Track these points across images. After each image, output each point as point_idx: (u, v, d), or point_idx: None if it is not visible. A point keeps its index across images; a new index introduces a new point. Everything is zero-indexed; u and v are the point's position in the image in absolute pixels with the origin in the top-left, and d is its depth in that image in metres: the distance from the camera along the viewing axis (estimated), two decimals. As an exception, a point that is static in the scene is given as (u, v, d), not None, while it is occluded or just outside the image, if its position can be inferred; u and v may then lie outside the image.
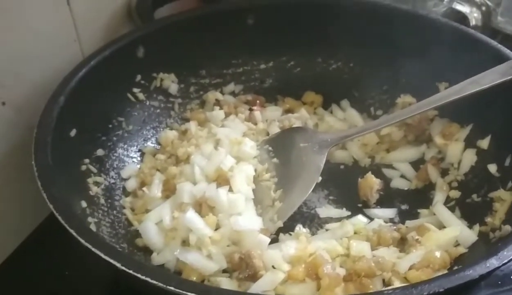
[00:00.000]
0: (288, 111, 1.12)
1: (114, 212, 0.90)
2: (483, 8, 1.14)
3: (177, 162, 0.98)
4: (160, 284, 0.62)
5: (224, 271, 0.82)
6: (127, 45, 0.99)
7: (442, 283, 0.61)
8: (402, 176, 1.02)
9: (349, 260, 0.82)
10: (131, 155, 1.00)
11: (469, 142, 0.98)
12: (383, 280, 0.78)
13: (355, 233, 0.89)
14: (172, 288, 0.61)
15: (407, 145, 1.05)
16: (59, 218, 0.70)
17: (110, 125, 0.98)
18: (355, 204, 0.96)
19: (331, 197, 0.98)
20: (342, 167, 1.05)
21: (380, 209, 0.95)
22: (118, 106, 1.01)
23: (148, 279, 0.62)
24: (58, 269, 0.88)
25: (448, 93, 0.94)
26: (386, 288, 0.74)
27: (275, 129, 1.05)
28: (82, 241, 0.67)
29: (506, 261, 0.65)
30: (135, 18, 1.10)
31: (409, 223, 0.91)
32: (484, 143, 0.95)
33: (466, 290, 0.68)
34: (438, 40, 1.01)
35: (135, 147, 1.02)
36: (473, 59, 0.96)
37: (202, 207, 0.86)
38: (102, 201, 0.89)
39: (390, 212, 0.95)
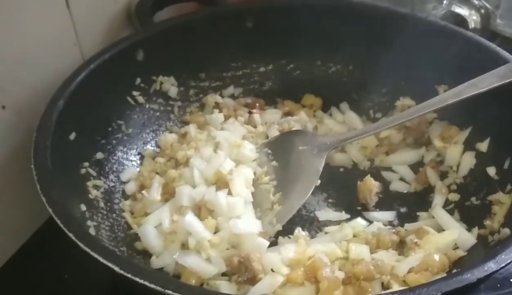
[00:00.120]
0: (288, 114, 1.12)
1: (114, 215, 0.90)
2: (482, 10, 1.14)
3: (176, 165, 0.98)
4: (159, 288, 0.62)
5: (223, 274, 0.82)
6: (126, 49, 1.00)
7: (440, 287, 0.62)
8: (401, 179, 1.02)
9: (348, 263, 0.82)
10: (130, 158, 1.01)
11: (468, 145, 0.98)
12: (382, 283, 0.78)
13: (354, 236, 0.89)
14: (170, 291, 0.61)
15: (406, 148, 1.05)
16: (58, 221, 0.70)
17: (110, 129, 0.98)
18: (354, 207, 0.96)
19: (330, 200, 0.98)
20: (341, 169, 1.05)
21: (379, 212, 0.95)
22: (117, 109, 1.01)
23: (147, 283, 0.62)
24: (57, 273, 0.88)
25: (447, 96, 0.94)
26: (385, 292, 0.75)
27: (274, 132, 1.06)
28: (81, 244, 0.67)
29: (504, 264, 0.65)
30: (134, 21, 1.10)
31: (408, 226, 0.91)
32: (483, 146, 0.95)
33: (464, 293, 0.68)
34: (437, 43, 1.01)
35: (134, 150, 1.02)
36: (472, 62, 0.96)
37: (201, 210, 0.86)
38: (102, 204, 0.89)
39: (389, 215, 0.95)
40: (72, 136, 0.88)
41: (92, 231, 0.81)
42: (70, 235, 0.68)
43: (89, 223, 0.82)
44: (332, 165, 1.04)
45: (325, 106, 1.14)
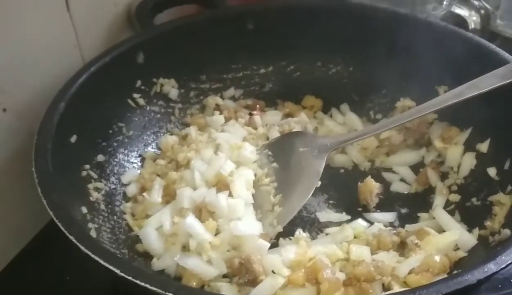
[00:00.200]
0: (288, 115, 1.12)
1: (115, 217, 0.90)
2: (482, 11, 1.14)
3: (177, 167, 0.98)
4: (160, 290, 0.62)
5: (224, 276, 0.82)
6: (127, 51, 1.00)
7: (440, 288, 0.62)
8: (402, 180, 1.02)
9: (349, 265, 0.82)
10: (131, 160, 1.01)
11: (469, 146, 0.98)
12: (383, 285, 0.78)
13: (355, 237, 0.89)
14: (171, 294, 0.62)
15: (406, 149, 1.05)
16: (59, 224, 0.70)
17: (111, 131, 0.99)
18: (355, 208, 0.96)
19: (331, 201, 0.98)
20: (342, 171, 1.05)
21: (380, 213, 0.95)
22: (118, 111, 1.01)
23: (148, 286, 0.63)
24: (58, 275, 0.89)
25: (447, 97, 0.94)
26: (386, 293, 0.75)
27: (275, 133, 1.06)
28: (82, 247, 0.68)
29: (504, 265, 0.65)
30: (135, 24, 1.10)
31: (408, 227, 0.91)
32: (484, 147, 0.95)
33: (465, 294, 0.68)
34: (437, 44, 1.01)
35: (135, 152, 1.02)
36: (472, 62, 0.96)
37: (202, 212, 0.86)
38: (103, 206, 0.89)
39: (390, 216, 0.95)
40: (73, 139, 0.88)
41: (93, 234, 0.81)
42: (71, 237, 0.69)
43: (90, 225, 0.82)
44: (333, 166, 1.04)
45: (326, 107, 1.14)
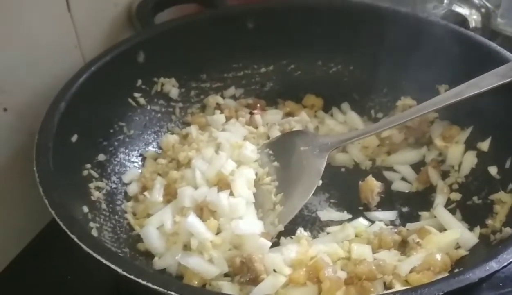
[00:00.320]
0: (289, 114, 1.12)
1: (116, 216, 0.90)
2: (483, 10, 1.13)
3: (178, 166, 0.98)
4: (161, 289, 0.62)
5: (226, 275, 0.82)
6: (127, 50, 1.00)
7: (442, 286, 0.62)
8: (403, 179, 1.02)
9: (350, 263, 0.82)
10: (132, 160, 1.01)
11: (470, 145, 0.98)
12: (384, 283, 0.78)
13: (356, 236, 0.89)
14: (173, 292, 0.62)
15: (407, 148, 1.05)
16: (61, 223, 0.70)
17: (111, 130, 0.99)
18: (356, 207, 0.96)
19: (332, 200, 0.98)
20: (343, 169, 1.05)
21: (381, 211, 0.95)
22: (119, 111, 1.01)
23: (149, 284, 0.63)
24: (59, 274, 0.89)
25: (448, 96, 0.94)
26: (387, 291, 0.75)
27: (275, 132, 1.06)
28: (84, 246, 0.68)
29: (506, 264, 0.65)
30: (135, 23, 1.10)
31: (410, 225, 0.91)
32: (485, 145, 0.95)
33: (466, 292, 0.68)
34: (438, 42, 1.01)
35: (136, 152, 1.02)
36: (473, 61, 0.96)
37: (203, 211, 0.86)
38: (104, 206, 0.89)
39: (391, 215, 0.95)
40: (74, 138, 0.88)
41: (94, 233, 0.81)
42: (73, 236, 0.69)
43: (91, 224, 0.82)
44: (334, 165, 1.04)
45: (326, 106, 1.14)
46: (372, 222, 0.93)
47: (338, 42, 1.11)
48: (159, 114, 1.07)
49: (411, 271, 0.78)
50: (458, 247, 0.84)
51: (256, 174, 0.94)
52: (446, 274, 0.77)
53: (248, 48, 1.13)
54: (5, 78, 0.85)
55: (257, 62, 1.15)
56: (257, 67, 1.16)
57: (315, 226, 0.94)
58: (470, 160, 0.97)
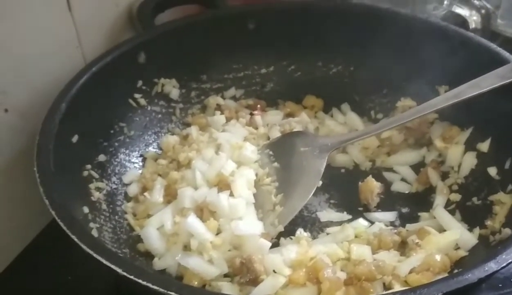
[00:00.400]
0: (289, 115, 1.12)
1: (116, 217, 0.90)
2: (483, 11, 1.14)
3: (178, 167, 0.98)
4: (161, 290, 0.62)
5: (226, 275, 0.83)
6: (128, 51, 1.00)
7: (441, 287, 0.62)
8: (403, 179, 1.02)
9: (350, 264, 0.82)
10: (132, 160, 1.01)
11: (469, 146, 0.98)
12: (384, 284, 0.78)
13: (355, 236, 0.89)
14: (173, 293, 0.62)
15: (407, 149, 1.05)
16: (61, 224, 0.70)
17: (112, 131, 0.99)
18: (356, 208, 0.96)
19: (332, 201, 0.98)
20: (342, 170, 1.05)
21: (380, 212, 0.96)
22: (119, 111, 1.01)
23: (149, 285, 0.63)
24: (60, 274, 0.89)
25: (448, 97, 0.94)
26: (387, 292, 0.75)
27: (276, 133, 1.06)
28: (84, 246, 0.68)
29: (504, 264, 0.65)
30: (136, 24, 1.10)
31: (409, 226, 0.91)
32: (484, 146, 0.95)
33: (465, 293, 0.68)
34: (438, 43, 1.01)
35: (136, 152, 1.02)
36: (472, 62, 0.96)
37: (203, 211, 0.87)
38: (104, 206, 0.89)
39: (390, 216, 0.95)
40: (75, 139, 0.88)
41: (94, 233, 0.81)
42: (73, 237, 0.69)
43: (91, 225, 0.83)
44: (334, 166, 1.04)
45: (326, 107, 1.14)
46: (372, 222, 0.93)
47: (339, 43, 1.11)
48: (159, 115, 1.07)
49: (410, 272, 0.79)
50: (457, 247, 0.84)
51: (256, 175, 0.95)
52: (446, 275, 0.77)
53: (248, 49, 1.13)
54: (6, 78, 0.85)
55: (257, 63, 1.16)
56: (258, 68, 1.16)
57: (315, 227, 0.94)
58: (469, 161, 0.97)
